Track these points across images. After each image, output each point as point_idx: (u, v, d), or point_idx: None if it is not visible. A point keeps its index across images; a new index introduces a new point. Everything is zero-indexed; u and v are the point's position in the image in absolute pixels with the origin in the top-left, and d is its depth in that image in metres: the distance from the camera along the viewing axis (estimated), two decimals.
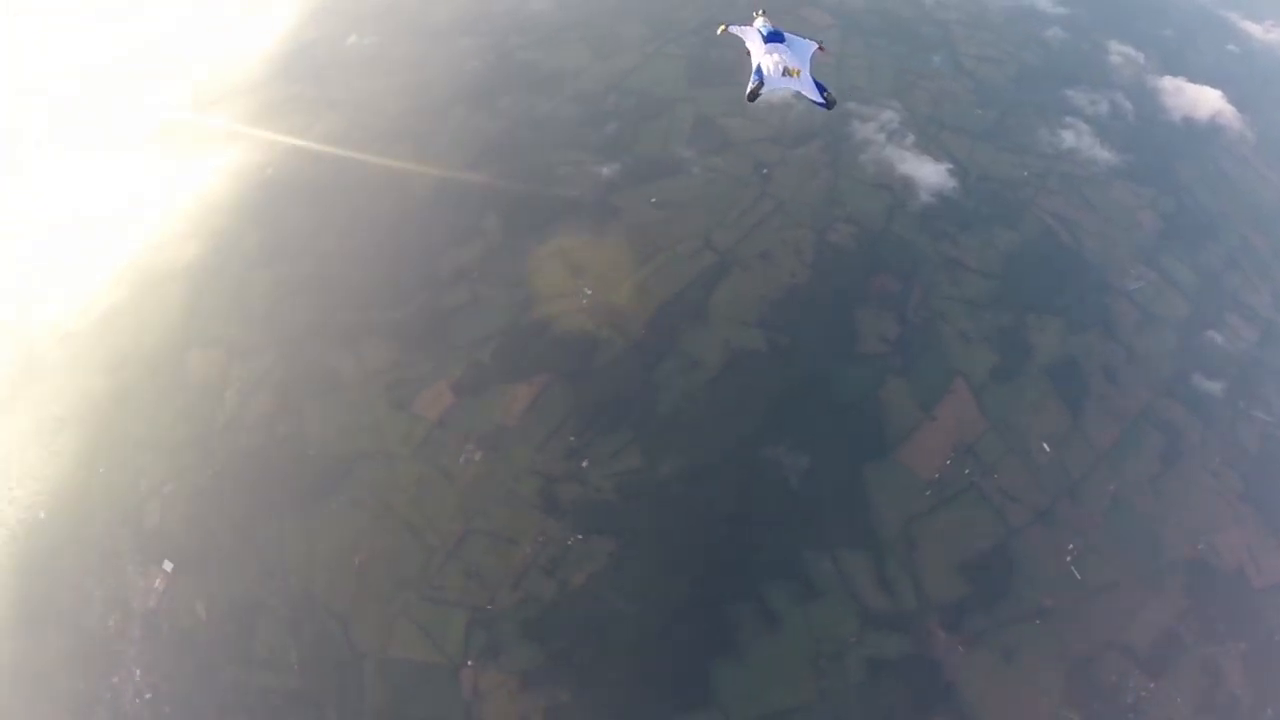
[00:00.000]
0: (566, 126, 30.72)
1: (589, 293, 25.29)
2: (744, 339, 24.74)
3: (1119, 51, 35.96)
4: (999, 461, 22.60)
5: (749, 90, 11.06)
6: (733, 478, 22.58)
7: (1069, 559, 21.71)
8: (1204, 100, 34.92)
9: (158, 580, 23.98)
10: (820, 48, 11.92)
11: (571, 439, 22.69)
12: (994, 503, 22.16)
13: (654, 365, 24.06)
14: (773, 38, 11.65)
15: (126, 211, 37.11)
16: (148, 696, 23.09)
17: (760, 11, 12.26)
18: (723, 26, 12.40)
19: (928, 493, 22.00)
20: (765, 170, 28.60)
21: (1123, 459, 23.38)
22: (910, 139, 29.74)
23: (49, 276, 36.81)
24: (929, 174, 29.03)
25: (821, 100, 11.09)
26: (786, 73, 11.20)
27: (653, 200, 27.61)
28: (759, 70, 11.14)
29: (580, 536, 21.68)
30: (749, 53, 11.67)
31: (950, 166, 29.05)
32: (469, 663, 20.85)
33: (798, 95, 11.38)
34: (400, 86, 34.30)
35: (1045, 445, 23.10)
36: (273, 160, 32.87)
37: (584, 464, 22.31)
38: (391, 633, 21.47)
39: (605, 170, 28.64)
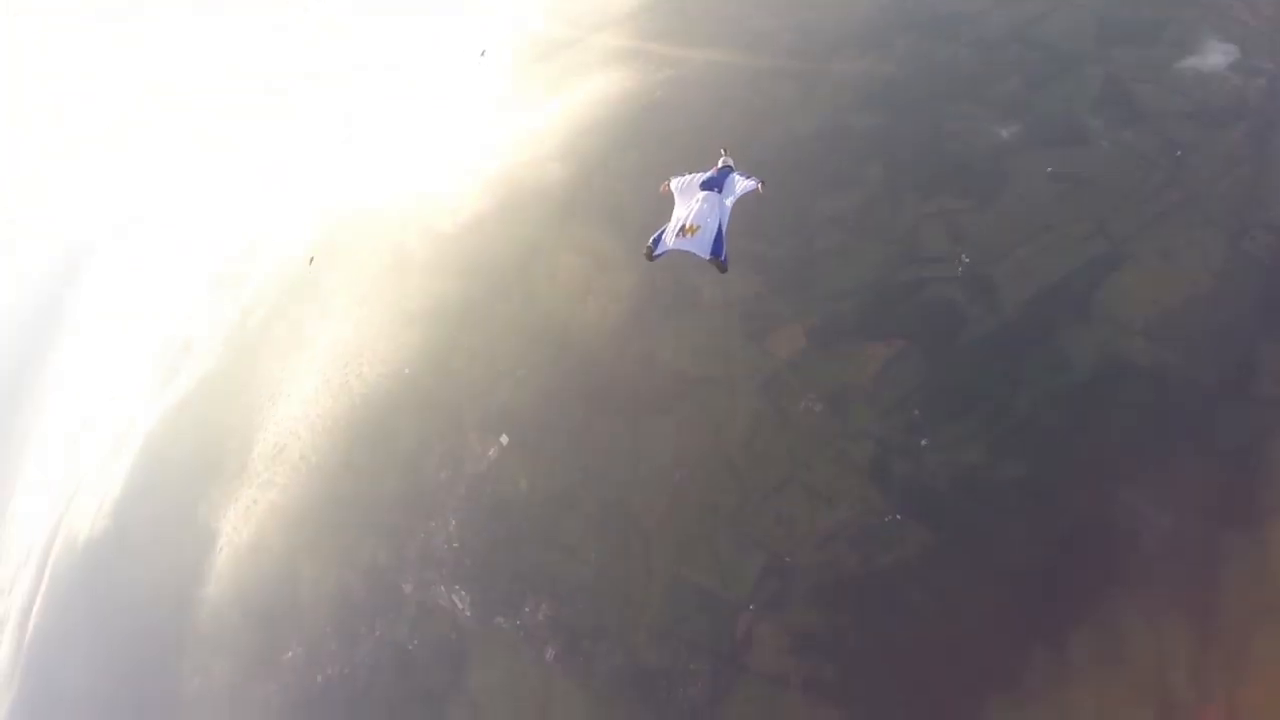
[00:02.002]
0: (963, 77, 31.10)
1: (966, 260, 25.88)
2: (1126, 348, 23.44)
3: None
4: None
5: (645, 250, 11.38)
6: (1078, 507, 21.87)
7: None
8: None
9: (492, 450, 30.51)
10: (760, 186, 11.71)
11: (916, 413, 24.02)
12: None
13: (1021, 355, 24.22)
14: (710, 183, 11.50)
15: (497, 130, 44.77)
16: (455, 545, 29.75)
17: (724, 150, 12.29)
18: (665, 185, 12.19)
19: None
20: (1178, 152, 26.32)
21: None
22: None
23: (428, 182, 45.98)
24: None
25: (706, 257, 10.89)
26: (683, 232, 10.97)
27: (1049, 170, 27.10)
28: (660, 233, 11.25)
29: (899, 517, 22.92)
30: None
31: None
32: (751, 606, 23.45)
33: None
34: (789, 24, 37.15)
35: None
36: (648, 88, 37.62)
37: (923, 443, 23.31)
38: (688, 554, 25.18)
39: (1004, 132, 28.47)
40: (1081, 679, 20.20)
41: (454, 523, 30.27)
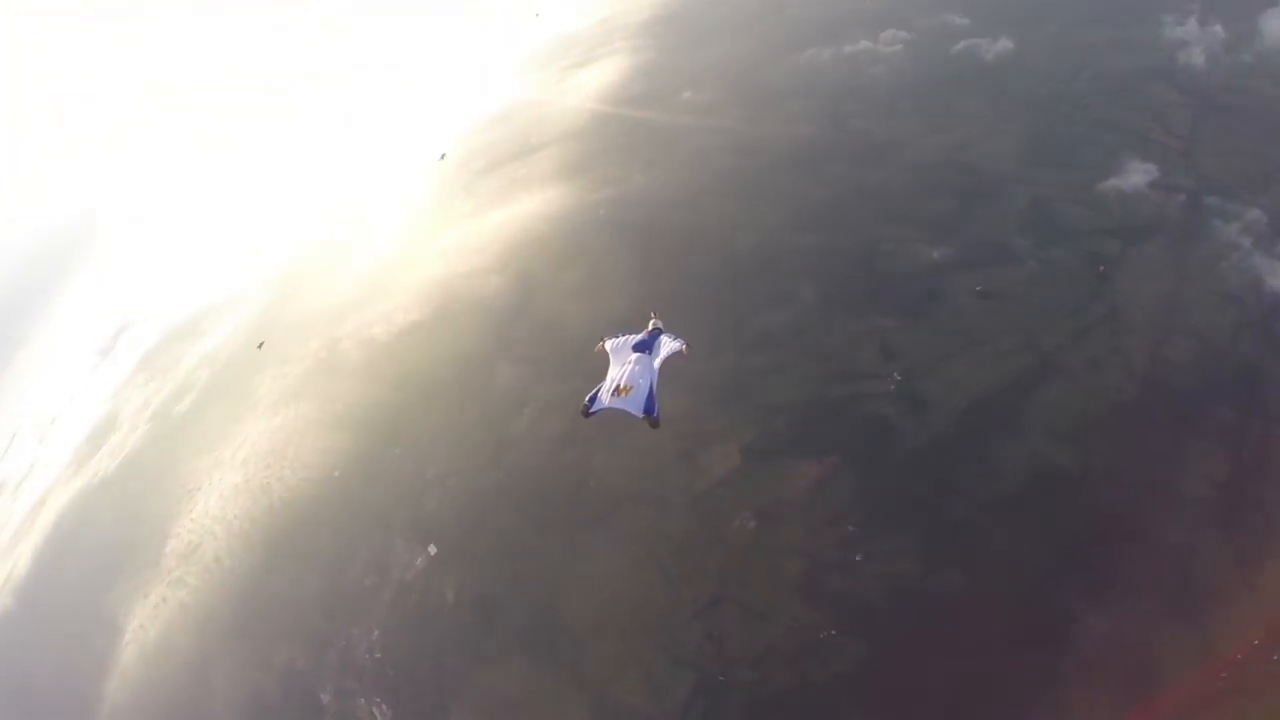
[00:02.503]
0: (896, 200, 32.95)
1: (898, 378, 26.73)
2: (1055, 456, 24.56)
3: None
4: None
5: (581, 409, 12.41)
6: (1012, 611, 22.41)
7: None
8: None
9: (420, 559, 30.01)
10: (686, 349, 12.77)
11: (851, 529, 24.41)
12: None
13: (953, 467, 24.98)
14: (642, 345, 12.56)
15: (438, 239, 45.50)
16: (378, 655, 28.59)
17: (653, 313, 13.35)
18: (600, 344, 13.25)
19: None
20: (1102, 268, 28.30)
21: None
22: None
23: (367, 285, 46.16)
24: None
25: (640, 415, 11.95)
26: (617, 392, 11.95)
27: (978, 288, 28.58)
28: (596, 392, 12.25)
29: (834, 632, 22.88)
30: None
31: None
32: None
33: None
34: (729, 144, 38.95)
35: None
36: (591, 205, 39.09)
37: (857, 558, 23.51)
38: (617, 671, 24.52)
39: (934, 252, 30.10)
40: None
41: (377, 632, 29.00)
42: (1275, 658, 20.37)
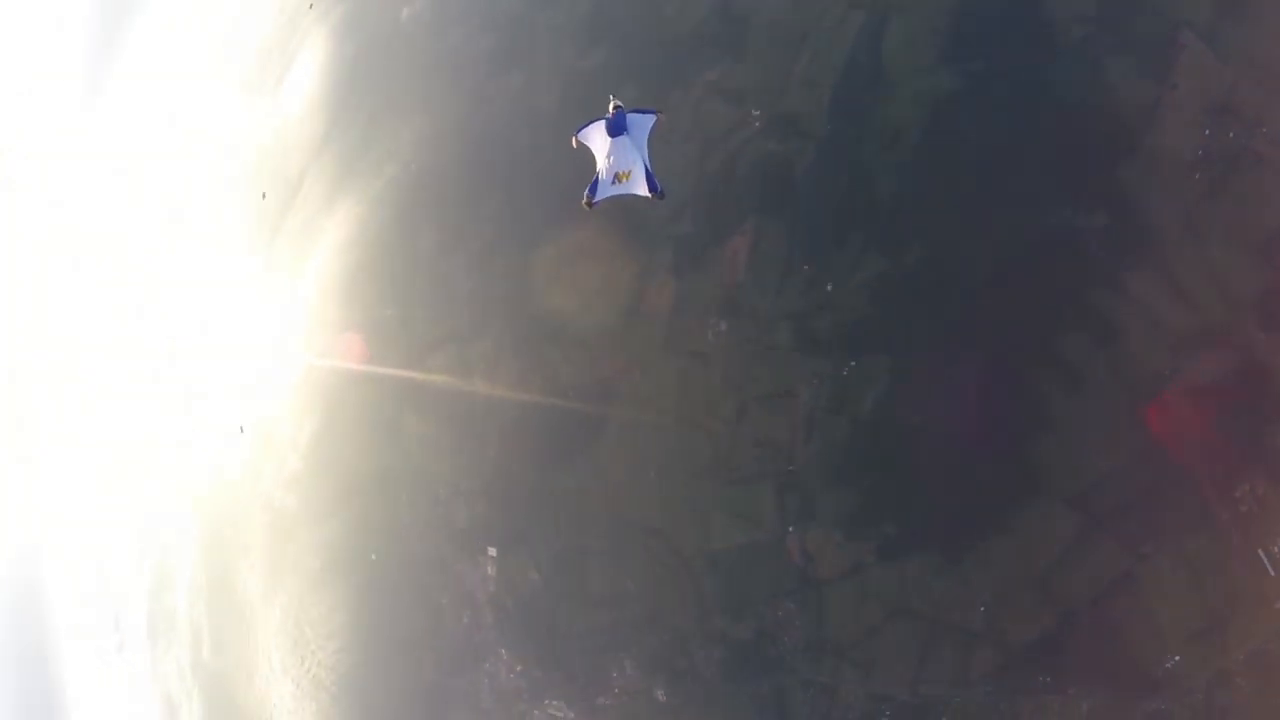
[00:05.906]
0: None
1: (756, 113, 26.70)
2: (932, 86, 24.32)
3: None
4: (1261, 112, 20.74)
5: (584, 201, 13.09)
6: (988, 237, 23.11)
7: None
8: None
9: (488, 567, 30.59)
10: (660, 117, 13.32)
11: (805, 268, 24.94)
12: (1275, 160, 20.44)
13: (853, 153, 25.19)
14: (615, 128, 12.82)
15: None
16: (519, 669, 29.83)
17: (612, 96, 13.52)
18: (575, 140, 13.64)
19: (1197, 175, 20.79)
20: None
21: None
22: None
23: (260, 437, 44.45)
24: None
25: (649, 194, 12.64)
26: (616, 179, 12.64)
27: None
28: (594, 182, 12.86)
29: (853, 363, 23.87)
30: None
31: None
32: (790, 529, 24.22)
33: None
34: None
35: None
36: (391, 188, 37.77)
37: (828, 288, 24.22)
38: (709, 528, 25.69)
39: None
40: (1089, 373, 20.48)
41: (504, 651, 30.25)
42: (1230, 134, 20.75)
